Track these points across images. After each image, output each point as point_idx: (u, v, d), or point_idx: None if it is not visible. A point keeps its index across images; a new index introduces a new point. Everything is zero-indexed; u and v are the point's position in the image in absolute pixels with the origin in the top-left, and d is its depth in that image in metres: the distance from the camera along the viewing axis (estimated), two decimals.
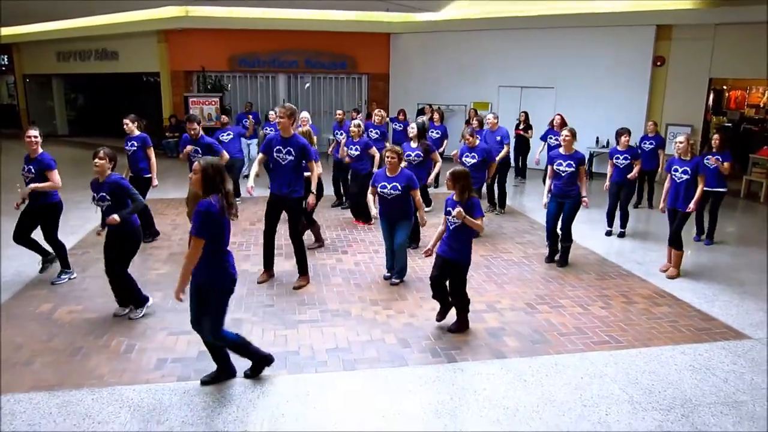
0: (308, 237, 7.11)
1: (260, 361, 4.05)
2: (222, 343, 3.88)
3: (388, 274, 6.10)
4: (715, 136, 7.52)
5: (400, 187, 5.62)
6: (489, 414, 3.66)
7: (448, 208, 4.69)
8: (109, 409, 3.64)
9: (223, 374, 4.00)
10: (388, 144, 9.27)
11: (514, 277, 6.21)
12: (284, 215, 5.79)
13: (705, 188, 7.39)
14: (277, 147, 5.57)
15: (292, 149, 5.53)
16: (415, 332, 4.81)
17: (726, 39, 11.43)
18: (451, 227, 4.70)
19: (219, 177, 3.58)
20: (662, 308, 5.44)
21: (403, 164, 5.91)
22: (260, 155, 5.82)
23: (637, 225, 8.45)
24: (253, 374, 4.05)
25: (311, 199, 5.86)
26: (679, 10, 11.48)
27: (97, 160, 4.80)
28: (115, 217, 4.70)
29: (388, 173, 5.71)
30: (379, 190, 5.75)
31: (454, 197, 4.68)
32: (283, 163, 5.58)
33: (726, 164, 7.23)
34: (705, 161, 7.07)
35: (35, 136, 5.54)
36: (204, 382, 3.94)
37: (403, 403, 3.76)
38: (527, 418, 3.62)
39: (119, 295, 5.04)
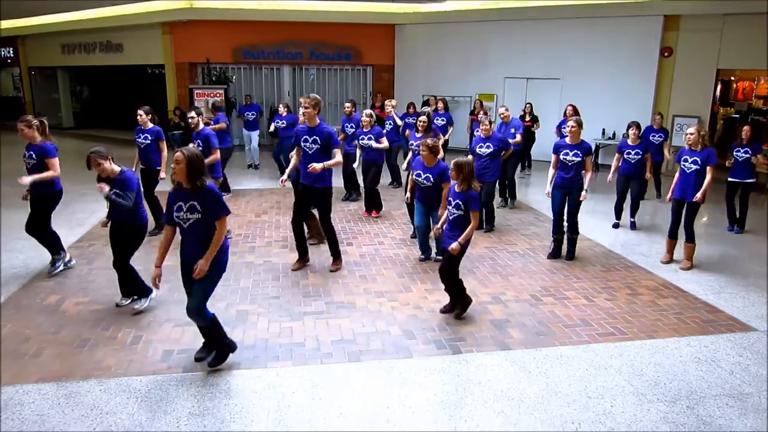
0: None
1: (225, 348, 4.09)
2: (203, 322, 3.92)
3: (423, 256, 6.35)
4: (746, 128, 7.63)
5: (432, 179, 5.80)
6: (493, 405, 3.67)
7: (449, 198, 4.77)
8: (116, 399, 3.68)
9: (223, 351, 4.08)
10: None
11: (519, 269, 6.20)
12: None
13: (735, 180, 7.62)
14: (304, 137, 5.69)
15: (318, 138, 5.63)
16: (419, 324, 4.82)
17: (734, 30, 11.31)
18: (450, 217, 4.77)
19: (201, 163, 3.76)
20: (668, 300, 5.43)
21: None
22: (295, 149, 5.95)
23: (643, 217, 8.40)
24: (216, 363, 4.06)
25: None
26: (687, 1, 11.37)
27: (95, 167, 4.76)
28: (103, 186, 4.70)
29: (425, 163, 5.83)
30: (414, 177, 5.95)
31: (456, 187, 4.73)
32: (309, 152, 5.69)
33: (760, 156, 7.50)
34: (736, 153, 7.52)
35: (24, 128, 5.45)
36: (209, 364, 4.04)
37: (408, 395, 3.78)
38: (532, 410, 3.63)
39: (123, 285, 5.08)
